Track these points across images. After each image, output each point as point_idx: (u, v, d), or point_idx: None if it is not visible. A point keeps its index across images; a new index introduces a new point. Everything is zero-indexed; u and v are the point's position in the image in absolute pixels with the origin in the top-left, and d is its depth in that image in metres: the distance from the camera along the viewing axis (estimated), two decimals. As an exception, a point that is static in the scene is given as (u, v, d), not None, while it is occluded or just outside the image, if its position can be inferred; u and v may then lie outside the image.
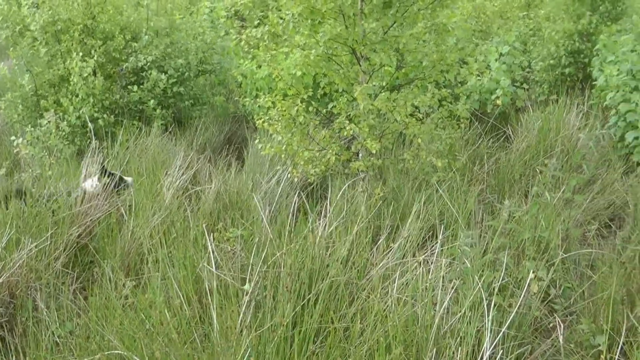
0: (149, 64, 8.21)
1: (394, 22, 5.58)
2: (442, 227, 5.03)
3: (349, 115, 5.71)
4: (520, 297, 4.19)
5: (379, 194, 5.34)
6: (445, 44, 5.73)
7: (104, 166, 6.06)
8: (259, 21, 5.95)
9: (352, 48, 5.60)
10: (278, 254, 4.37)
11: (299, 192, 5.83)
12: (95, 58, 7.82)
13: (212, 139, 8.27)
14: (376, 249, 4.68)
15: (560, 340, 4.08)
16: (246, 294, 4.01)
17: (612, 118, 7.22)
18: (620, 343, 3.96)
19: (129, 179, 6.27)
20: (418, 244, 4.83)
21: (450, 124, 6.15)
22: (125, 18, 8.56)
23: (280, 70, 5.83)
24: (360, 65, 5.68)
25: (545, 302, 4.60)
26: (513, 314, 3.98)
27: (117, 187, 6.03)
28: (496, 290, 4.02)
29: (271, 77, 7.08)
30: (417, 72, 6.05)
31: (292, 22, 5.53)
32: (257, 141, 6.14)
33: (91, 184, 5.96)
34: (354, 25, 5.41)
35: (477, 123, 7.73)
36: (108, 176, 5.97)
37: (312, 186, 6.08)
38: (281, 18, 5.68)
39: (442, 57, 5.65)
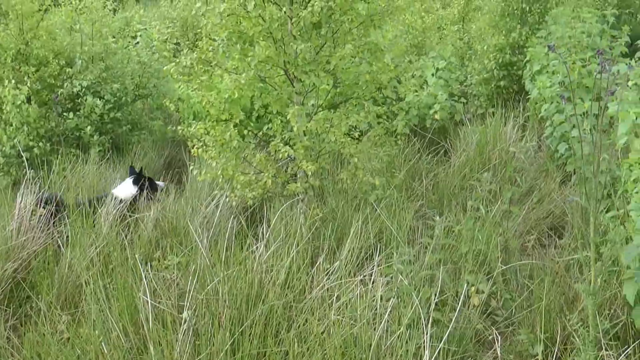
0: (84, 89, 8.12)
1: (325, 43, 5.61)
2: (382, 245, 5.07)
3: (284, 137, 5.71)
4: (461, 311, 4.24)
5: (317, 215, 5.35)
6: (378, 63, 5.76)
7: (140, 169, 6.39)
8: (188, 49, 5.89)
9: (285, 69, 5.60)
10: (216, 281, 4.34)
11: (238, 216, 5.80)
12: (29, 85, 7.69)
13: (151, 164, 8.18)
14: (315, 271, 4.67)
15: (498, 352, 4.14)
16: (184, 323, 3.98)
17: (548, 129, 7.34)
18: (556, 351, 4.04)
19: (161, 183, 6.60)
20: (358, 264, 4.84)
21: (387, 141, 6.19)
22: (59, 43, 8.45)
23: (210, 97, 5.78)
24: (293, 87, 5.68)
25: (487, 314, 4.65)
26: (452, 329, 4.03)
27: (150, 191, 6.34)
28: (433, 306, 4.06)
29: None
30: (352, 91, 6.06)
31: (222, 47, 5.51)
32: (191, 168, 6.10)
33: (124, 189, 6.18)
34: (283, 47, 5.41)
35: (415, 138, 7.80)
36: (144, 180, 6.30)
37: (251, 209, 6.05)
38: (211, 44, 5.65)
39: (374, 77, 5.68)
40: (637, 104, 6.00)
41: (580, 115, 6.71)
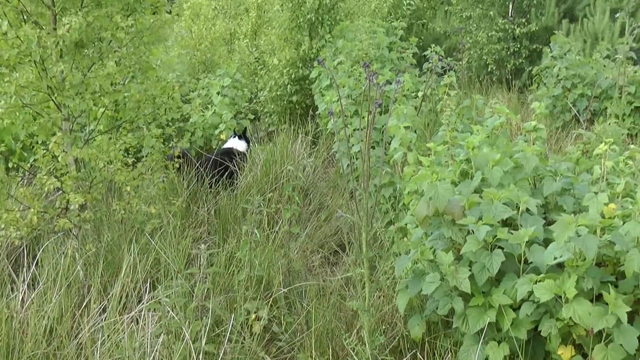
0: None
1: (93, 64, 5.29)
2: (161, 277, 4.85)
3: (51, 168, 5.32)
4: (235, 340, 4.12)
5: (90, 250, 5.02)
6: (149, 82, 5.50)
7: (243, 131, 7.85)
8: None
9: (49, 94, 5.20)
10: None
11: (4, 258, 5.33)
12: None
13: None
14: (84, 312, 4.37)
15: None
16: None
17: (336, 144, 7.36)
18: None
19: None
20: (133, 299, 4.58)
21: (166, 166, 5.94)
22: None
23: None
24: (61, 112, 5.29)
25: (271, 340, 4.55)
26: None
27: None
28: (205, 338, 3.90)
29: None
30: (128, 114, 5.73)
31: (-24, 73, 5.03)
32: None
33: (241, 144, 7.66)
34: (46, 70, 5.02)
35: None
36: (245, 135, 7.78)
37: (21, 248, 5.58)
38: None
39: (147, 97, 5.42)
40: (412, 117, 6.15)
41: (361, 129, 6.79)
